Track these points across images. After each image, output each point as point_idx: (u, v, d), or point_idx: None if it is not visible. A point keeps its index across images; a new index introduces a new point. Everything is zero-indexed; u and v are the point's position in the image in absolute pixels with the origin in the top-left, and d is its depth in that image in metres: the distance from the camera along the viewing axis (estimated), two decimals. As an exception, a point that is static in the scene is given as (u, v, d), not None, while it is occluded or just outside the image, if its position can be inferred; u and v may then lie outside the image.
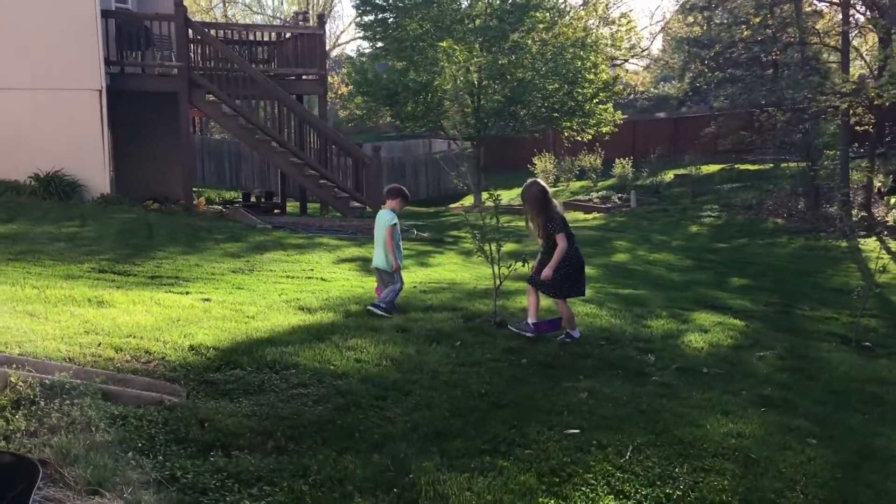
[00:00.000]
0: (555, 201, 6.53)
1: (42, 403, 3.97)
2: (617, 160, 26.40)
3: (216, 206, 19.04)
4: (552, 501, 3.56)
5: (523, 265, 6.68)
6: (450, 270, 10.22)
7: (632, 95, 40.62)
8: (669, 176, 26.13)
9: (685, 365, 6.00)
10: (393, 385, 4.96)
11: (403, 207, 7.34)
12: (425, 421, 4.38)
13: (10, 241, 9.20)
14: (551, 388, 5.17)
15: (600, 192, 25.30)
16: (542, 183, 6.57)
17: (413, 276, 9.58)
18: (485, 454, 4.02)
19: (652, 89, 41.13)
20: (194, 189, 22.80)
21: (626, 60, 39.55)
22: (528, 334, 6.38)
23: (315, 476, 3.67)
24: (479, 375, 5.30)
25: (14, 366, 4.22)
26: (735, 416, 4.78)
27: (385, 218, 7.14)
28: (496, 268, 6.77)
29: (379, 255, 7.16)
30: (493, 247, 6.75)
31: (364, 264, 10.13)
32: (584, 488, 3.69)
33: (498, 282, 6.82)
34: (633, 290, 9.89)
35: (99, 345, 4.95)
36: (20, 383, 4.04)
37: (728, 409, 4.95)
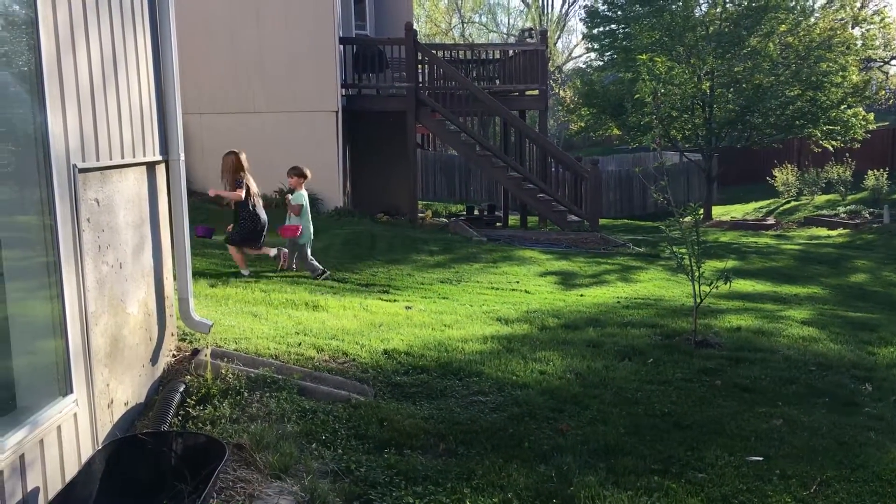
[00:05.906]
0: (249, 177, 8.30)
1: (246, 394, 4.44)
2: (869, 172, 24.03)
3: (442, 219, 19.83)
4: (715, 529, 3.40)
5: (725, 283, 6.40)
6: (658, 286, 9.93)
7: (892, 100, 36.76)
8: (933, 189, 23.42)
9: (909, 397, 5.40)
10: (572, 398, 4.95)
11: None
12: (597, 436, 4.34)
13: (252, 249, 10.22)
14: (742, 412, 4.90)
15: (848, 207, 23.19)
16: (242, 156, 8.22)
17: (618, 292, 9.42)
18: (654, 474, 3.92)
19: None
20: (424, 203, 23.98)
21: (886, 62, 35.91)
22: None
23: (479, 480, 3.79)
24: (665, 394, 5.14)
25: (226, 359, 4.74)
26: (955, 457, 4.25)
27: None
28: (696, 285, 6.54)
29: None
30: (693, 262, 6.53)
31: (567, 278, 10.12)
32: (754, 519, 3.49)
33: (699, 300, 6.57)
34: (867, 314, 9.02)
35: (300, 344, 5.42)
36: (229, 375, 4.55)
37: (949, 448, 4.42)
